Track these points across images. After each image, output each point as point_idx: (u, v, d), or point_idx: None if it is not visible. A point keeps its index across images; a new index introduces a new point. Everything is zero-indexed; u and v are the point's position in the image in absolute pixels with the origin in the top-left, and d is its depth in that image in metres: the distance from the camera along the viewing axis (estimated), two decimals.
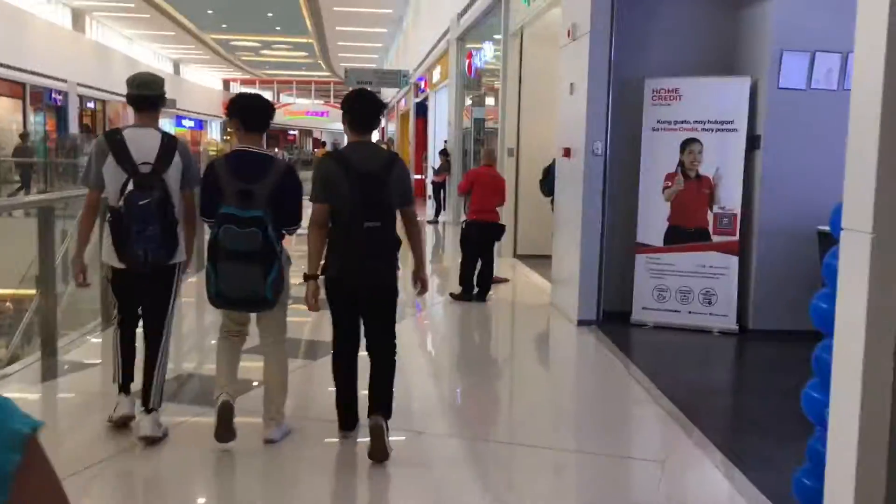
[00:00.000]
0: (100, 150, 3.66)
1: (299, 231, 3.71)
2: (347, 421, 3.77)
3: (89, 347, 5.58)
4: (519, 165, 10.20)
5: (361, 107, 3.62)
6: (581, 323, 6.36)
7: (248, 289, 3.42)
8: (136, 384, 3.78)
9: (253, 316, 3.76)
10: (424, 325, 7.00)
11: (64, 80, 26.46)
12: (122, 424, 3.74)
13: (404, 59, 25.04)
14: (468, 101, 14.14)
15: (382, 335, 3.65)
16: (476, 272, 7.41)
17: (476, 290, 7.40)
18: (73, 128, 27.25)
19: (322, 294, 3.61)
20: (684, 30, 6.55)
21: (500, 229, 7.78)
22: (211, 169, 3.60)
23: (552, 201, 8.33)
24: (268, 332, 3.74)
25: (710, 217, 6.24)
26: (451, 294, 7.42)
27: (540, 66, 9.90)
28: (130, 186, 3.54)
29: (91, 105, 30.52)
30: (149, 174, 3.57)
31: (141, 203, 3.49)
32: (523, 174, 10.14)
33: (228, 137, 52.19)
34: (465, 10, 12.63)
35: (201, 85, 47.95)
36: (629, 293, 6.47)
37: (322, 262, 3.58)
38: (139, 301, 3.79)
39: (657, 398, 4.56)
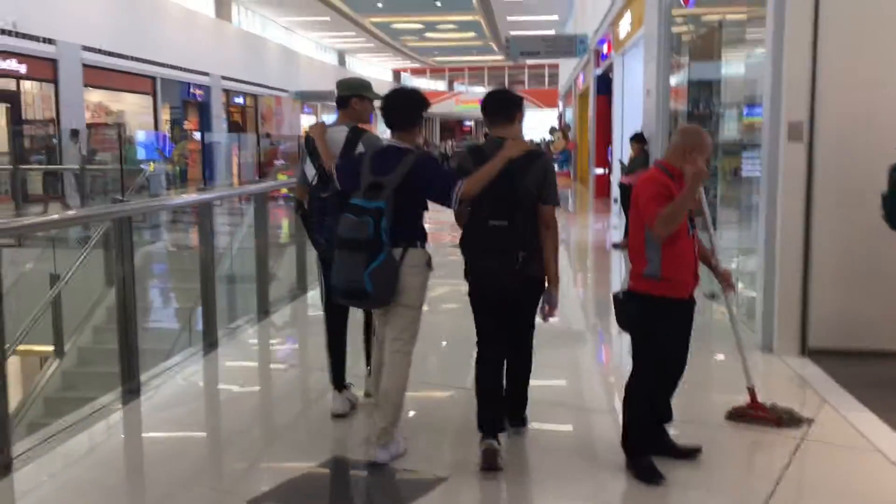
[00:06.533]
0: (302, 148, 4.09)
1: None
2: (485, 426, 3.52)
3: None
4: (813, 160, 5.03)
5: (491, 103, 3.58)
6: None
7: (350, 279, 3.32)
8: None
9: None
10: None
11: (206, 74, 24.06)
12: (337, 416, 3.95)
13: (583, 26, 19.93)
14: (675, 78, 8.88)
15: (516, 342, 3.56)
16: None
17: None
18: (219, 125, 24.85)
19: None
20: None
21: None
22: (360, 158, 3.60)
23: None
24: (392, 335, 3.48)
25: None
26: None
27: None
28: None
29: (240, 100, 28.08)
30: (327, 170, 3.83)
31: (322, 196, 3.86)
32: (823, 177, 4.98)
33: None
34: None
35: (369, 77, 45.42)
36: None
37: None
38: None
39: None
